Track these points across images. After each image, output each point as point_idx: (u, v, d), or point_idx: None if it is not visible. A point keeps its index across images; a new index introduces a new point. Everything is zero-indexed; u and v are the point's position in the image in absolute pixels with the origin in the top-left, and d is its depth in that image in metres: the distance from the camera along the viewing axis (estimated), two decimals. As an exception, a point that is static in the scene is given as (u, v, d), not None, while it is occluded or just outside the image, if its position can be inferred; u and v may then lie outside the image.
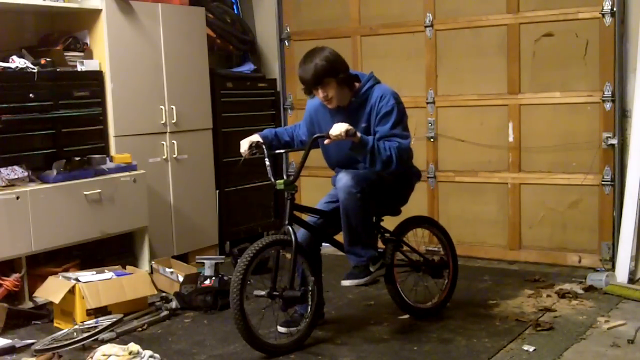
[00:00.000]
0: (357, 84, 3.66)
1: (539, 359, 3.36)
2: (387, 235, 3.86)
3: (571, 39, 4.85)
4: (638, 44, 4.59)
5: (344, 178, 3.49)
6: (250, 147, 3.74)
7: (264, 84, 5.97)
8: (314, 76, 3.51)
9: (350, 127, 3.38)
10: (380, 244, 3.81)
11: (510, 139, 5.11)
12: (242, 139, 3.79)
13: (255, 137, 3.77)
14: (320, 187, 5.63)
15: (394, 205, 3.86)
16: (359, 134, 3.44)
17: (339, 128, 3.38)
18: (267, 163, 3.67)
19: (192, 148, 5.25)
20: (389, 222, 3.87)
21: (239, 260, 3.48)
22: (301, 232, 3.73)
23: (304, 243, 3.67)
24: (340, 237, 3.78)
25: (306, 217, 3.76)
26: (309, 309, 3.63)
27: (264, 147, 3.72)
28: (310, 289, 3.63)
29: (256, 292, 3.57)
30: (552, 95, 4.96)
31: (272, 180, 3.59)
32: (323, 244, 3.82)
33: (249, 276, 3.44)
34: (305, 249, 3.64)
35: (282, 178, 3.58)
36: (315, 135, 3.63)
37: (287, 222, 3.56)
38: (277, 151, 3.81)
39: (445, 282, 4.10)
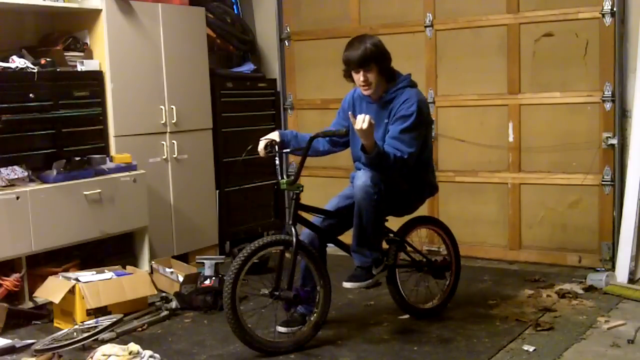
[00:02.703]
0: (393, 83, 3.67)
1: (538, 359, 3.36)
2: (391, 235, 3.84)
3: (571, 39, 4.85)
4: (638, 44, 4.59)
5: (363, 177, 3.47)
6: (266, 146, 3.70)
7: (264, 84, 5.97)
8: (362, 56, 3.53)
9: (372, 123, 3.34)
10: (383, 244, 3.79)
11: (510, 139, 5.11)
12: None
13: (273, 135, 3.74)
14: (320, 187, 5.64)
15: (400, 211, 3.84)
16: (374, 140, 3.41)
17: (361, 119, 3.33)
18: (277, 162, 3.65)
19: (192, 148, 5.24)
20: (393, 222, 3.86)
21: (233, 260, 3.47)
22: (306, 233, 3.71)
23: (309, 244, 3.65)
24: (344, 238, 3.77)
25: (312, 218, 3.75)
26: (314, 311, 3.62)
27: (276, 146, 3.69)
28: (317, 289, 3.61)
29: (262, 292, 3.56)
30: (552, 95, 4.96)
31: (279, 179, 3.58)
32: (328, 244, 3.81)
33: (244, 276, 3.42)
34: (310, 249, 3.61)
35: (288, 178, 3.57)
36: (313, 135, 3.63)
37: (291, 221, 3.54)
38: (285, 151, 3.74)
39: (446, 282, 4.10)
